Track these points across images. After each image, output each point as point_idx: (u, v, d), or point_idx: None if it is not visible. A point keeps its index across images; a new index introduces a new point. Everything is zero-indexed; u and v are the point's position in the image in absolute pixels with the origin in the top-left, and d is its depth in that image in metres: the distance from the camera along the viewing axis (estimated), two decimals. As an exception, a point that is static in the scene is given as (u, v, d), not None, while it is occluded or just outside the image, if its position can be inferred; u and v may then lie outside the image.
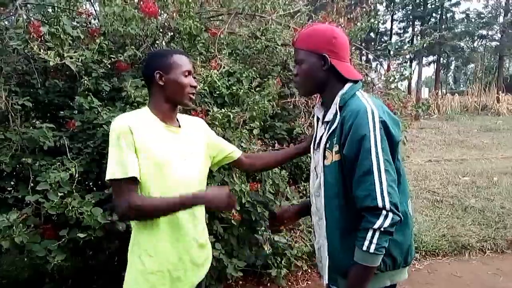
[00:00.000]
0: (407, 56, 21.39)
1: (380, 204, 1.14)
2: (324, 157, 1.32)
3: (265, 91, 2.46)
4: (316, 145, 1.42)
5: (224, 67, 2.46)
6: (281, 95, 2.83)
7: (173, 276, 1.38)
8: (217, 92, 2.44)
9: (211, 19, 2.96)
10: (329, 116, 1.34)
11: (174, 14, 2.44)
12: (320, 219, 1.37)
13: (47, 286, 2.60)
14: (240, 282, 2.91)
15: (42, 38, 1.99)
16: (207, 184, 1.57)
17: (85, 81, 2.16)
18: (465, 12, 25.61)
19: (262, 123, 2.60)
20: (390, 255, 1.27)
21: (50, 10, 2.30)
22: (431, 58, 26.20)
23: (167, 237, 1.37)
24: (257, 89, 2.51)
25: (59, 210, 1.92)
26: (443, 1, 22.99)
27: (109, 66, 2.28)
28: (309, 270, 3.16)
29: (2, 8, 2.17)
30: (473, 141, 9.95)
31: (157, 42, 2.67)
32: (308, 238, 2.87)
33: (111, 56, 2.26)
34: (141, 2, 2.26)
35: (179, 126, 1.47)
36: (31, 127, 2.13)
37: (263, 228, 2.58)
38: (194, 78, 1.48)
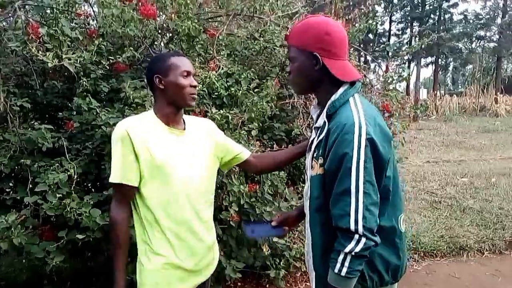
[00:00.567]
0: (405, 57, 21.47)
1: (352, 227, 1.09)
2: (311, 166, 1.26)
3: (264, 92, 2.47)
4: (308, 147, 1.35)
5: (222, 68, 2.47)
6: (280, 96, 2.83)
7: (179, 275, 1.41)
8: (216, 93, 2.44)
9: (210, 20, 2.96)
10: (319, 122, 1.27)
11: (173, 15, 2.44)
12: (307, 223, 1.32)
13: (46, 288, 2.60)
14: (239, 284, 2.91)
15: (41, 39, 1.99)
16: None
17: (84, 82, 2.16)
18: (463, 13, 25.63)
19: (261, 124, 2.60)
20: (376, 271, 1.22)
21: (48, 11, 2.30)
22: (429, 59, 26.24)
23: (176, 237, 1.39)
24: (256, 90, 2.51)
25: (58, 211, 1.92)
26: (441, 2, 23.03)
27: (108, 67, 2.28)
28: (308, 271, 3.16)
29: (0, 10, 2.17)
30: (471, 142, 9.98)
31: (155, 43, 2.67)
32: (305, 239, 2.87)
33: (110, 57, 2.26)
34: (140, 4, 2.27)
35: (184, 128, 1.48)
36: (29, 128, 2.13)
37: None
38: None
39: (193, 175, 1.43)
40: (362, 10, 3.21)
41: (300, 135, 2.78)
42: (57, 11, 2.10)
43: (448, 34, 21.91)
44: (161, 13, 2.55)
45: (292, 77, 1.32)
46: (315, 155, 1.24)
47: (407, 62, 23.79)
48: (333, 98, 1.23)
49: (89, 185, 2.43)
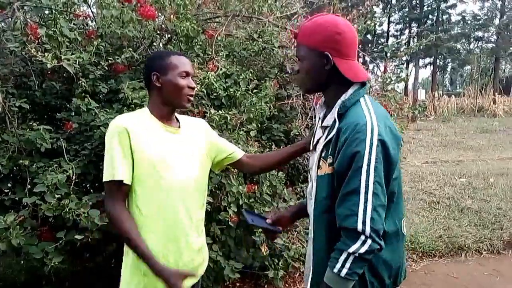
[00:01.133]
0: (404, 58, 21.53)
1: (359, 227, 1.06)
2: (318, 166, 1.23)
3: (262, 93, 2.47)
4: (313, 146, 1.33)
5: (221, 69, 2.47)
6: (278, 97, 2.83)
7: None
8: (214, 94, 2.45)
9: (208, 21, 2.97)
10: (328, 121, 1.24)
11: (171, 16, 2.45)
12: (311, 225, 1.30)
13: (44, 289, 2.59)
14: (238, 284, 2.91)
15: (40, 40, 1.99)
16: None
17: (83, 83, 2.16)
18: (461, 14, 25.76)
19: (259, 125, 2.60)
20: (377, 276, 1.19)
21: (47, 12, 2.29)
22: (427, 60, 26.32)
23: (164, 239, 1.36)
24: (254, 91, 2.51)
25: (56, 212, 1.91)
26: (439, 3, 23.12)
27: (106, 68, 2.28)
28: (305, 271, 3.16)
29: (-1, 10, 2.17)
30: (470, 142, 10.00)
31: (154, 44, 2.68)
32: (305, 240, 2.87)
33: (109, 58, 2.26)
34: (139, 5, 2.27)
35: (179, 127, 1.47)
36: (28, 129, 2.13)
37: (260, 230, 2.59)
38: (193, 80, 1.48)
39: (189, 174, 1.41)
40: (361, 11, 3.22)
41: (298, 135, 2.78)
42: (56, 12, 2.10)
43: (446, 35, 22.01)
44: (160, 14, 2.55)
45: (300, 76, 1.30)
46: (323, 154, 1.21)
47: (405, 63, 23.88)
48: (343, 97, 1.21)
49: (88, 185, 2.43)
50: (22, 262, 2.67)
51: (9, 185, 2.30)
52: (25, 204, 1.99)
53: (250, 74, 2.58)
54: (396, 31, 27.09)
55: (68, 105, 2.34)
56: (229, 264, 2.46)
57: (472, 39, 25.74)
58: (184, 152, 1.43)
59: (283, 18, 2.97)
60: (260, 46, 2.73)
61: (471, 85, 19.66)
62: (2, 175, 2.21)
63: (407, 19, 25.35)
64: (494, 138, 10.72)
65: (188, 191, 1.40)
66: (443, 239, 3.81)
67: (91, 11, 2.75)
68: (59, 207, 1.91)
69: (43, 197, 1.94)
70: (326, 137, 1.22)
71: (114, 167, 1.29)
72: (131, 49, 2.32)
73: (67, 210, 1.90)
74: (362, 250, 1.07)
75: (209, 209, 2.28)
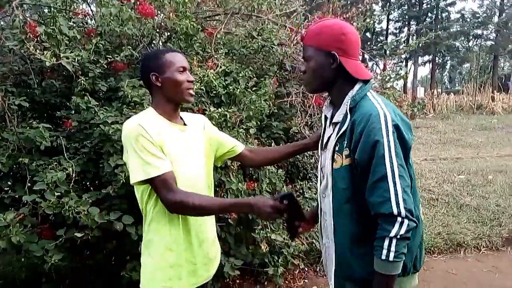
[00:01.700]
0: (403, 56, 21.52)
1: (395, 211, 1.12)
2: (333, 160, 1.28)
3: (262, 91, 2.47)
4: (323, 145, 1.39)
5: (220, 67, 2.47)
6: (278, 95, 2.84)
7: (189, 269, 1.43)
8: (214, 92, 2.45)
9: (208, 19, 2.97)
10: (338, 117, 1.30)
11: (171, 14, 2.44)
12: (326, 221, 1.35)
13: (45, 286, 2.60)
14: (238, 281, 2.92)
15: (39, 38, 1.99)
16: None
17: (82, 81, 2.16)
18: (460, 12, 25.67)
19: (259, 123, 2.61)
20: None
21: (46, 10, 2.30)
22: (426, 57, 26.33)
23: (187, 231, 1.41)
24: (254, 88, 2.52)
25: (56, 210, 1.92)
26: (438, 1, 23.10)
27: (106, 66, 2.28)
28: (306, 269, 3.17)
29: (-2, 9, 2.17)
30: (468, 140, 10.01)
31: (153, 42, 2.68)
32: (305, 237, 2.88)
33: (108, 56, 2.26)
34: (138, 3, 2.27)
35: (184, 124, 1.49)
36: (28, 127, 2.13)
37: (260, 226, 2.59)
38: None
39: (197, 169, 1.45)
40: (360, 9, 3.22)
41: (298, 133, 2.79)
42: (55, 10, 2.10)
43: (445, 32, 21.98)
44: (159, 12, 2.54)
45: (307, 76, 1.35)
46: (337, 148, 1.27)
47: (404, 61, 23.88)
48: (351, 93, 1.28)
49: (88, 183, 2.44)
50: (22, 259, 2.67)
51: (9, 183, 2.31)
52: (25, 202, 1.99)
53: (250, 72, 2.58)
54: (395, 29, 27.07)
55: (67, 103, 2.33)
56: (229, 261, 2.47)
57: (471, 37, 25.71)
58: (192, 149, 1.46)
59: (283, 16, 2.97)
60: (259, 44, 2.73)
61: (470, 83, 19.65)
62: (2, 173, 2.22)
63: (406, 17, 25.32)
64: (493, 135, 10.74)
65: (199, 187, 1.44)
66: (442, 235, 3.82)
67: (90, 9, 2.75)
68: (59, 205, 1.92)
69: (43, 195, 1.94)
70: (338, 132, 1.28)
71: (154, 163, 1.29)
72: (130, 47, 2.32)
73: (67, 208, 1.91)
74: (402, 231, 1.12)
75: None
